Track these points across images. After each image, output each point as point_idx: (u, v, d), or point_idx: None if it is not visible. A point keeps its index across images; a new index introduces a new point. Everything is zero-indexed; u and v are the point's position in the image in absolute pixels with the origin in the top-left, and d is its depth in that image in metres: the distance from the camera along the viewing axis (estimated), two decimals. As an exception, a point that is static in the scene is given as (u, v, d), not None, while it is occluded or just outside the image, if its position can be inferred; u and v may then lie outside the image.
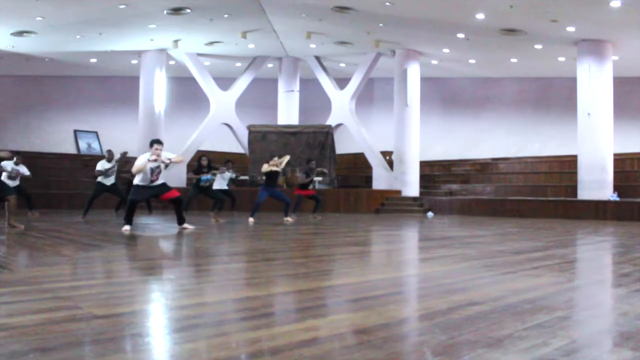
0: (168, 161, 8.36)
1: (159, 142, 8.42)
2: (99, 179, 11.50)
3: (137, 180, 8.38)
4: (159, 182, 8.44)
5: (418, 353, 2.22)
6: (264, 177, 11.07)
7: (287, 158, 11.36)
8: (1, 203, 8.93)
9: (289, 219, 11.01)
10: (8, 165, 11.39)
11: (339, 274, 4.55)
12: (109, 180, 11.55)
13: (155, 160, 8.24)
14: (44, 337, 2.31)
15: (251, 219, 10.71)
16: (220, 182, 11.99)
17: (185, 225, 8.66)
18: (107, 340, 2.30)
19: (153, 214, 13.19)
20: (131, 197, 8.39)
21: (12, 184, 11.28)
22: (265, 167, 10.88)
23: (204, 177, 11.17)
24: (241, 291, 3.71)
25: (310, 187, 12.81)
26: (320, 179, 13.50)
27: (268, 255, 5.87)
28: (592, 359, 2.14)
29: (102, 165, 11.52)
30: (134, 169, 8.30)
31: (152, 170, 8.28)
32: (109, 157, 11.70)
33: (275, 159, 11.05)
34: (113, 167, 11.56)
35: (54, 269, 4.48)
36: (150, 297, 3.50)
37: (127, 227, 8.10)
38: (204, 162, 11.56)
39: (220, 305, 3.18)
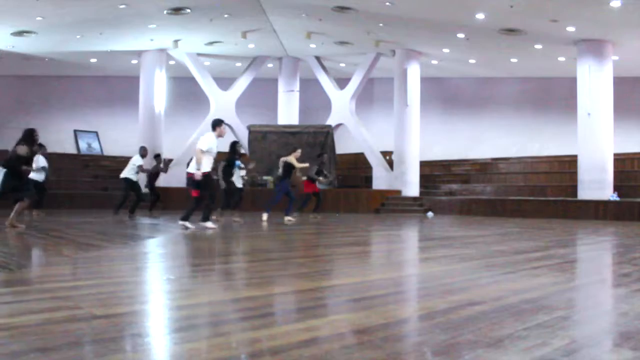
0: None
1: (223, 121, 8.85)
2: (125, 174, 11.65)
3: (207, 167, 8.51)
4: None
5: (418, 353, 2.22)
6: (280, 171, 11.33)
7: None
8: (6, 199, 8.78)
9: (290, 219, 11.01)
10: (41, 160, 11.44)
11: (339, 274, 4.55)
12: (135, 177, 11.70)
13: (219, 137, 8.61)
14: (44, 337, 2.31)
15: (265, 215, 11.02)
16: (237, 179, 11.93)
17: (186, 224, 8.66)
18: (107, 340, 2.30)
19: (153, 213, 13.18)
20: (212, 190, 8.70)
21: (39, 177, 11.33)
22: (294, 161, 11.10)
23: (238, 162, 11.39)
24: (241, 291, 3.71)
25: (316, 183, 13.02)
26: (321, 178, 13.54)
27: (268, 255, 5.87)
28: (592, 359, 2.14)
29: (137, 160, 11.76)
30: (202, 148, 8.40)
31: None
32: (144, 153, 11.97)
33: (299, 151, 11.36)
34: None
35: (54, 269, 4.48)
36: (150, 297, 3.50)
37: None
38: (239, 149, 11.57)
39: (220, 305, 3.17)
